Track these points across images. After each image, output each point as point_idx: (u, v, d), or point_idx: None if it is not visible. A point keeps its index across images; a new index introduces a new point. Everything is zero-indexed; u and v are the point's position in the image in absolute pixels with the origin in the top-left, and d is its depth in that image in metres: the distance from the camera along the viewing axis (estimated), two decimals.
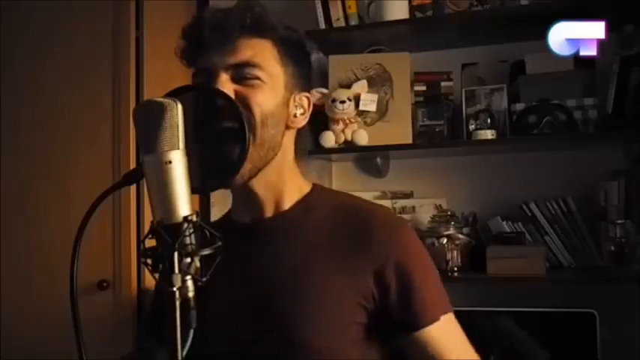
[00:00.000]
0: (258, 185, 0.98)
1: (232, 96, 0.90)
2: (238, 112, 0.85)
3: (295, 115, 1.00)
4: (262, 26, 0.95)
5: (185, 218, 0.68)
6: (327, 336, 0.92)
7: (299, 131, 1.04)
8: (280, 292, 0.95)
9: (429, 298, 0.97)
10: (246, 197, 1.00)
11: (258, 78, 0.93)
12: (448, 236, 2.08)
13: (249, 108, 0.92)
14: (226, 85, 0.92)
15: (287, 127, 0.99)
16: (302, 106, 1.01)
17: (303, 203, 1.02)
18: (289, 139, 1.01)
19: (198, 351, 0.92)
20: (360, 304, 0.94)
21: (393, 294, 0.95)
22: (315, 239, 0.98)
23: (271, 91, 0.95)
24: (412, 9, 2.19)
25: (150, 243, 0.68)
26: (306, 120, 1.02)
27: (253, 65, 0.93)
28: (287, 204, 1.01)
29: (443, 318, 0.97)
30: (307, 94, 1.03)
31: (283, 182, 1.01)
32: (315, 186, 1.07)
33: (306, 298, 0.94)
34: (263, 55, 0.95)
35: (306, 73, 1.03)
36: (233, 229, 1.00)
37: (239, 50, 0.93)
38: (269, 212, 1.01)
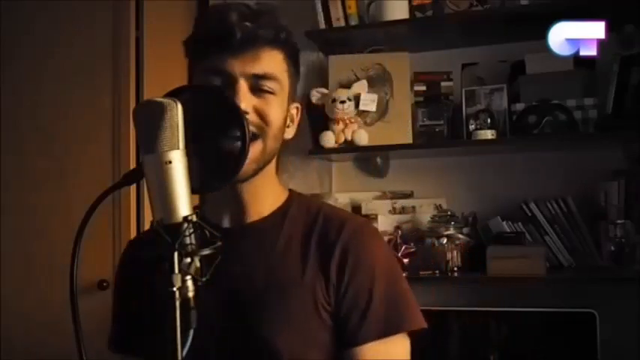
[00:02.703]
0: (246, 190, 0.99)
1: (250, 109, 0.91)
2: (238, 112, 0.85)
3: (288, 126, 1.02)
4: (281, 37, 0.95)
5: (185, 218, 0.68)
6: (292, 342, 0.92)
7: (284, 141, 1.04)
8: (253, 295, 0.95)
9: (377, 313, 0.94)
10: (231, 200, 1.00)
11: (273, 91, 0.94)
12: (448, 236, 2.08)
13: (265, 121, 0.93)
14: (247, 95, 0.92)
15: None
16: (292, 117, 1.03)
17: (281, 210, 1.03)
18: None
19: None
20: (325, 308, 0.94)
21: (347, 301, 0.94)
22: (288, 244, 0.99)
23: (282, 103, 0.97)
24: (412, 9, 2.19)
25: None
26: (294, 131, 1.04)
27: (272, 78, 0.94)
28: (267, 210, 1.02)
29: (389, 339, 0.93)
30: (297, 104, 1.04)
31: (266, 189, 1.02)
32: (291, 192, 1.07)
33: (275, 300, 0.94)
34: (279, 68, 0.95)
35: (296, 83, 1.03)
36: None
37: (262, 60, 0.93)
38: (250, 217, 1.01)
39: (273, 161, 1.03)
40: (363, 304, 0.94)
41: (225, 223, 1.01)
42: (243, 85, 0.92)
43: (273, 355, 0.91)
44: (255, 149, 0.92)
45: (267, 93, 0.94)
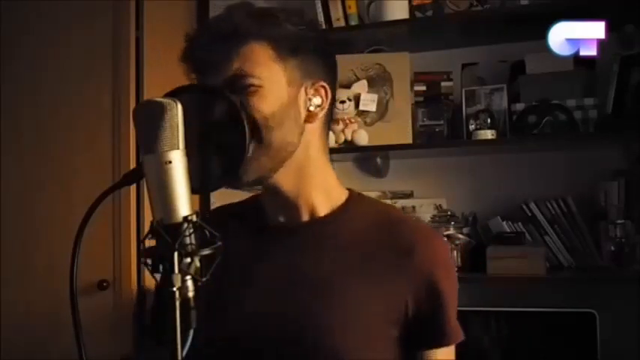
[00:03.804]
0: (282, 181, 0.96)
1: None
2: (238, 112, 0.85)
3: (309, 109, 0.96)
4: (251, 31, 0.92)
5: (185, 218, 0.68)
6: (355, 346, 0.91)
7: (326, 121, 1.01)
8: (313, 299, 0.94)
9: (453, 321, 0.98)
10: (273, 194, 0.98)
11: (253, 85, 0.90)
12: (448, 236, 2.08)
13: (250, 116, 0.89)
14: None
15: (306, 122, 0.96)
16: (319, 96, 0.97)
17: (340, 211, 1.00)
18: (312, 134, 0.97)
19: (230, 346, 0.94)
20: (393, 318, 0.94)
21: (425, 309, 0.95)
22: (352, 249, 0.96)
23: (270, 94, 0.91)
24: (412, 9, 2.19)
25: (150, 243, 0.68)
26: (326, 109, 0.98)
27: (246, 75, 0.90)
28: (322, 209, 0.99)
29: (448, 349, 0.98)
30: (323, 84, 0.97)
31: (311, 182, 0.98)
32: (352, 192, 1.04)
33: (338, 307, 0.92)
34: (256, 59, 0.91)
35: (319, 63, 0.98)
36: (265, 224, 1.01)
37: (232, 61, 0.91)
38: (304, 216, 0.99)
39: (311, 148, 0.97)
40: (428, 317, 0.95)
41: (281, 218, 1.00)
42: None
43: (332, 356, 0.91)
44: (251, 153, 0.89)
45: (247, 88, 0.90)
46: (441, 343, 0.97)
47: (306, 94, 0.95)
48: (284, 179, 0.96)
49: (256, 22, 0.92)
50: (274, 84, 0.92)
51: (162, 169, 0.68)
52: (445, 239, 1.12)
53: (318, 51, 0.98)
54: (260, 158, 0.90)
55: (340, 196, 1.02)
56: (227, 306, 0.97)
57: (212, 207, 2.33)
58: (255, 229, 1.03)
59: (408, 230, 0.98)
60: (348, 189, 1.05)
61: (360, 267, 0.95)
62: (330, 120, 1.03)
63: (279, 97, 0.92)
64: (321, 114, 0.98)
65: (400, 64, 2.22)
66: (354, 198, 1.03)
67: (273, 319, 0.94)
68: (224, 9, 0.95)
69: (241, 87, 0.90)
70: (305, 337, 0.92)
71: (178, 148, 0.69)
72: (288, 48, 0.93)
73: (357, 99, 2.18)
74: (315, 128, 0.98)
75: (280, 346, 0.92)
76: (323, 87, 0.97)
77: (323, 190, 1.00)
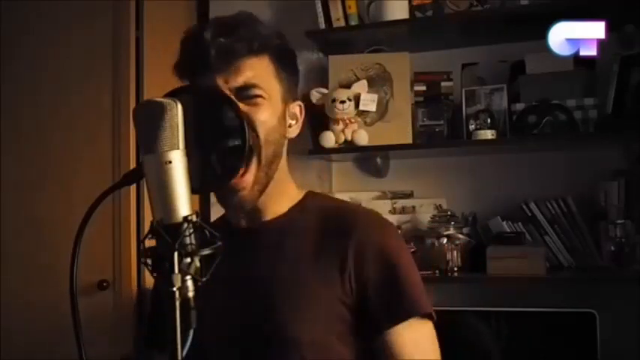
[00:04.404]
0: (261, 199, 1.01)
1: None
2: (238, 112, 0.85)
3: (290, 126, 1.03)
4: (260, 43, 0.97)
5: (185, 218, 0.68)
6: (313, 330, 0.95)
7: (289, 140, 1.06)
8: (272, 290, 0.98)
9: (407, 295, 0.97)
10: (248, 208, 1.02)
11: (260, 96, 0.95)
12: (448, 236, 2.08)
13: (253, 128, 0.94)
14: None
15: (284, 137, 1.02)
16: (295, 115, 1.05)
17: (297, 207, 1.06)
18: (284, 147, 1.04)
19: (194, 347, 0.95)
20: (341, 299, 0.96)
21: (371, 288, 0.96)
22: (305, 239, 1.01)
23: (272, 108, 0.97)
24: (412, 9, 2.19)
25: (150, 243, 0.68)
26: (299, 129, 1.06)
27: (254, 86, 0.95)
28: (283, 208, 1.05)
29: (417, 321, 0.97)
30: (299, 103, 1.06)
31: (280, 190, 1.04)
32: (308, 192, 1.10)
33: (294, 295, 0.97)
34: (262, 74, 0.97)
35: (296, 82, 1.05)
36: (231, 230, 1.04)
37: (241, 72, 0.95)
38: (266, 217, 1.04)
39: (283, 163, 1.04)
40: (382, 293, 0.96)
41: (244, 223, 1.05)
42: None
43: (293, 343, 0.94)
44: (250, 174, 0.95)
45: (255, 98, 0.95)
46: (400, 316, 0.96)
47: (289, 111, 1.03)
48: (255, 192, 0.99)
49: (267, 37, 0.98)
50: (274, 97, 0.98)
51: (162, 169, 0.68)
52: (393, 224, 1.14)
53: (296, 67, 1.06)
54: (260, 181, 0.96)
55: (298, 195, 1.08)
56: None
57: (212, 207, 2.34)
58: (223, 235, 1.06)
59: (351, 215, 1.04)
60: (308, 190, 1.11)
61: (312, 257, 0.99)
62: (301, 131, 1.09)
63: (276, 112, 0.98)
64: (296, 131, 1.05)
65: (400, 64, 2.22)
66: (309, 196, 1.08)
67: (234, 316, 0.98)
68: (232, 15, 0.98)
69: (250, 96, 0.95)
70: (266, 330, 0.96)
71: (178, 148, 0.69)
72: (284, 66, 1.00)
73: (357, 99, 2.18)
74: (286, 143, 1.05)
75: (243, 341, 0.97)
76: (299, 106, 1.06)
77: (286, 192, 1.06)
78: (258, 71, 0.96)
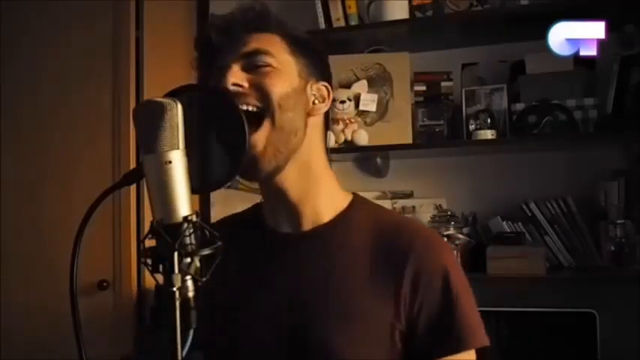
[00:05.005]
0: (288, 181, 0.96)
1: (245, 84, 0.91)
2: (238, 111, 0.85)
3: (314, 103, 0.98)
4: (268, 23, 0.97)
5: (185, 218, 0.68)
6: (360, 352, 0.90)
7: (324, 123, 1.02)
8: (314, 307, 0.93)
9: (468, 323, 0.93)
10: (278, 198, 0.97)
11: (269, 65, 0.93)
12: (448, 236, 2.07)
13: (264, 92, 0.91)
14: (237, 74, 0.92)
15: (308, 115, 0.97)
16: (321, 95, 1.00)
17: (343, 217, 0.99)
18: (313, 129, 0.99)
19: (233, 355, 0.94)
20: (393, 324, 0.92)
21: (432, 312, 0.92)
22: (353, 256, 0.95)
23: (285, 76, 0.94)
24: (412, 9, 2.19)
25: (150, 243, 0.68)
26: (328, 107, 1.01)
27: (264, 53, 0.93)
28: (325, 216, 0.99)
29: (468, 352, 0.92)
30: (325, 84, 1.01)
31: (316, 185, 0.98)
32: (355, 197, 1.04)
33: (338, 314, 0.92)
34: (272, 45, 0.95)
35: (320, 66, 1.01)
36: (268, 234, 1.00)
37: (248, 42, 0.94)
38: (307, 224, 0.98)
39: (314, 144, 0.99)
40: (437, 320, 0.92)
41: (284, 227, 0.99)
42: (233, 67, 0.92)
43: None
44: (262, 132, 0.90)
45: (263, 67, 0.93)
46: (453, 348, 0.91)
47: (311, 89, 0.99)
48: (291, 182, 0.96)
49: (275, 18, 0.98)
50: (288, 69, 0.95)
51: (162, 169, 0.68)
52: (447, 243, 1.04)
53: (321, 57, 1.03)
54: (274, 143, 0.91)
55: (343, 200, 1.02)
56: (233, 319, 0.97)
57: (212, 207, 2.35)
58: (258, 241, 1.02)
59: (407, 233, 0.97)
60: (353, 193, 1.05)
61: (363, 276, 0.93)
62: (328, 125, 1.05)
63: (292, 83, 0.95)
64: (324, 109, 1.00)
65: (400, 64, 2.22)
66: (356, 203, 1.02)
67: (278, 331, 0.93)
68: (241, 4, 0.98)
69: (257, 64, 0.93)
70: (311, 350, 0.91)
71: (178, 148, 0.69)
72: (300, 47, 0.98)
73: (357, 99, 2.18)
74: (316, 124, 1.00)
75: (282, 354, 0.93)
76: (325, 86, 1.01)
77: (328, 194, 1.00)
78: (267, 42, 0.95)
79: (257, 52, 0.93)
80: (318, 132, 1.00)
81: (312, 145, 0.98)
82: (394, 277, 0.92)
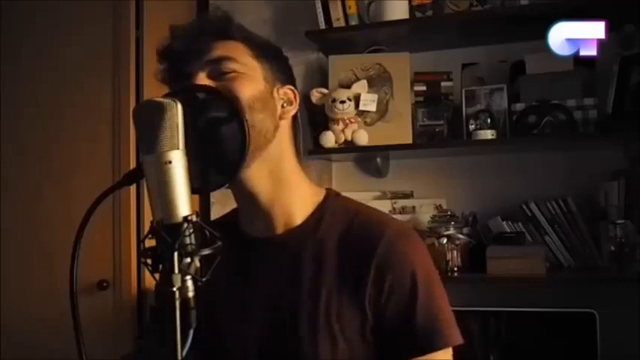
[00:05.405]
0: (259, 185, 0.96)
1: None
2: (238, 111, 0.85)
3: (283, 106, 0.99)
4: (231, 30, 0.97)
5: (185, 218, 0.68)
6: (331, 350, 0.91)
7: (294, 126, 1.02)
8: (286, 312, 0.94)
9: (437, 321, 0.92)
10: (250, 202, 0.98)
11: (234, 71, 0.93)
12: (448, 236, 2.08)
13: (230, 96, 0.91)
14: (204, 81, 0.92)
15: (280, 118, 0.98)
16: (288, 99, 1.00)
17: (315, 216, 0.99)
18: (283, 131, 0.99)
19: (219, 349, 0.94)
20: (362, 321, 0.92)
21: (387, 318, 0.91)
22: (324, 257, 0.95)
23: (251, 80, 0.94)
24: (412, 9, 2.19)
25: (150, 243, 0.68)
26: (296, 109, 1.01)
27: (229, 59, 0.93)
28: (297, 218, 0.99)
29: (432, 355, 0.91)
30: (291, 87, 1.02)
31: (287, 187, 0.99)
32: (328, 193, 1.04)
33: (309, 316, 0.92)
34: (237, 51, 0.95)
35: (285, 71, 1.02)
36: (241, 239, 1.00)
37: (213, 50, 0.94)
38: (279, 227, 0.98)
39: (284, 145, 0.99)
40: (403, 321, 0.91)
41: (257, 232, 1.00)
42: (199, 75, 0.92)
43: None
44: None
45: (229, 73, 0.93)
46: (422, 348, 0.90)
47: (278, 93, 0.99)
48: (262, 185, 0.96)
49: (237, 25, 0.98)
50: (254, 74, 0.96)
51: (162, 169, 0.68)
52: (417, 235, 1.02)
53: (285, 62, 1.04)
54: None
55: (316, 200, 1.02)
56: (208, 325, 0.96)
57: (212, 207, 2.35)
58: (233, 246, 1.02)
59: (375, 229, 0.96)
60: (327, 189, 1.05)
61: (333, 276, 0.94)
62: (298, 127, 1.05)
63: (258, 86, 0.95)
64: (292, 112, 1.01)
65: (400, 64, 2.22)
66: (329, 201, 1.02)
67: (252, 340, 0.94)
68: (203, 13, 0.99)
69: (223, 71, 0.93)
70: (288, 351, 0.92)
71: (178, 148, 0.69)
72: (263, 52, 0.98)
73: (357, 99, 2.18)
74: (286, 128, 1.00)
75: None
76: (292, 90, 1.02)
77: (299, 196, 1.00)
78: (231, 49, 0.95)
79: (222, 59, 0.93)
80: (287, 135, 1.01)
81: (283, 148, 0.99)
82: (360, 274, 0.92)
